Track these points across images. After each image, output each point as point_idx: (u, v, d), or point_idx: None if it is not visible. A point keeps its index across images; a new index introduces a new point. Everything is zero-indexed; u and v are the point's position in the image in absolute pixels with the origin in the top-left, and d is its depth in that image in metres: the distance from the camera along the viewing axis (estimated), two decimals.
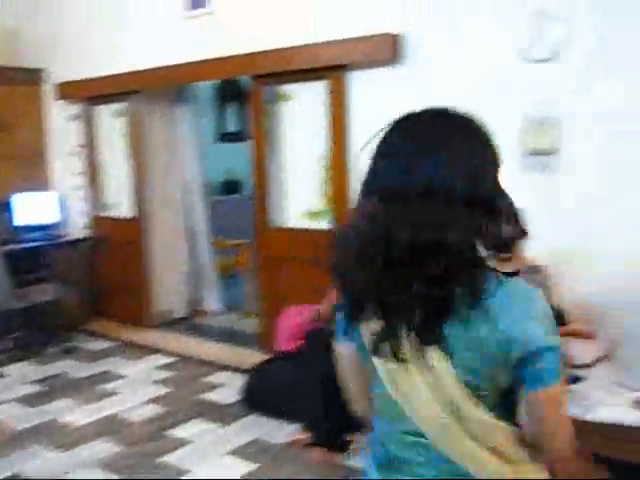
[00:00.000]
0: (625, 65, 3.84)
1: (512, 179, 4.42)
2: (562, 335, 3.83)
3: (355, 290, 1.35)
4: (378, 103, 4.72)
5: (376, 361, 1.40)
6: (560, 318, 3.85)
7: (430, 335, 1.31)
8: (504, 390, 1.36)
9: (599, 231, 3.96)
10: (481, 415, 1.35)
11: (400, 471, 1.44)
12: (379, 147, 1.38)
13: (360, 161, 1.40)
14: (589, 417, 3.14)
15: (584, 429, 3.13)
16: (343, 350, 1.55)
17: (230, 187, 9.45)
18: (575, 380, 3.45)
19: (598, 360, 3.68)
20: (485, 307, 1.28)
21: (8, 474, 3.76)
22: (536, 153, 4.11)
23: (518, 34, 4.10)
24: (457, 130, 1.37)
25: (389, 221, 1.28)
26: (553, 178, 4.09)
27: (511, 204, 1.77)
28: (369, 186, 1.36)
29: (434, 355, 1.32)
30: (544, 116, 4.08)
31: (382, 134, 1.39)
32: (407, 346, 1.33)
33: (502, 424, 1.37)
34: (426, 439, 1.38)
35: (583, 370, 3.58)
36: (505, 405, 1.38)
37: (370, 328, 1.37)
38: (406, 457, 1.43)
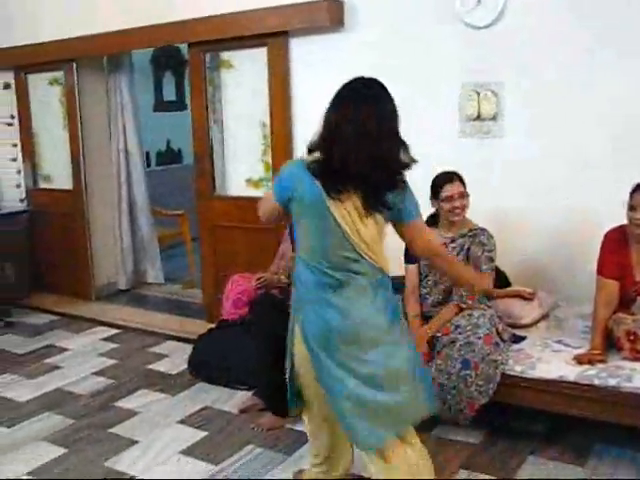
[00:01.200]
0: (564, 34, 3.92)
1: (452, 144, 4.44)
2: (504, 297, 3.95)
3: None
4: (319, 69, 4.72)
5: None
6: (502, 279, 3.95)
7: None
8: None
9: (537, 193, 4.06)
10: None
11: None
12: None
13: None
14: (531, 374, 3.25)
15: (527, 385, 3.25)
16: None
17: (170, 157, 9.33)
18: (518, 339, 3.55)
19: (539, 319, 3.80)
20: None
21: None
22: (476, 119, 4.17)
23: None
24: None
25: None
26: (493, 143, 4.16)
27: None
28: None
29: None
30: (483, 82, 4.13)
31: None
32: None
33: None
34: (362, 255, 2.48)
35: (525, 330, 3.69)
36: None
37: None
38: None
